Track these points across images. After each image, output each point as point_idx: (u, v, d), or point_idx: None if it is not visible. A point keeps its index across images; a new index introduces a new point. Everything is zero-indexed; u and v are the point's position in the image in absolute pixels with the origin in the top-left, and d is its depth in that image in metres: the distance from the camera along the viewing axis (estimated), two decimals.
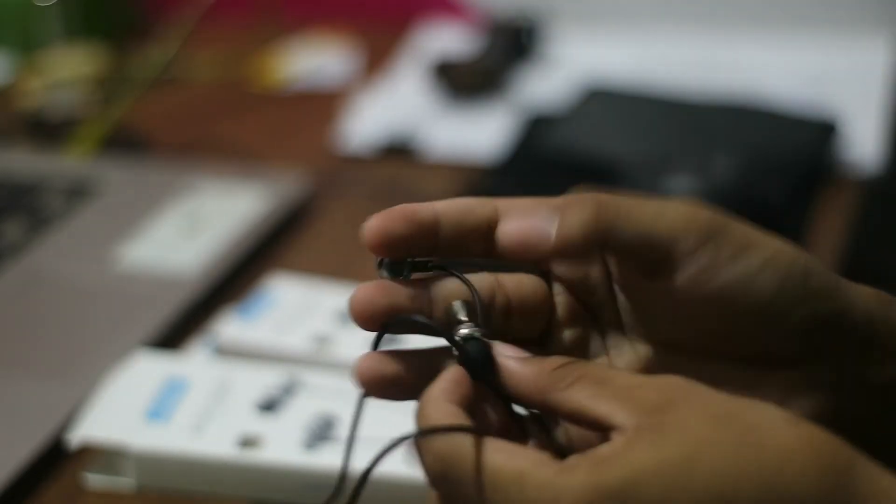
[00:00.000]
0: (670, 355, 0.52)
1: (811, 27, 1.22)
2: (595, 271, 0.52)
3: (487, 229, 0.52)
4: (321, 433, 0.71)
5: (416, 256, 0.51)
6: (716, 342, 0.51)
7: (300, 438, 0.71)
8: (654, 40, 1.23)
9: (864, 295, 0.51)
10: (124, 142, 1.11)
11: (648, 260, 0.50)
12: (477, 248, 0.52)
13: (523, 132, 1.08)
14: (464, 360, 0.49)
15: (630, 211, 0.50)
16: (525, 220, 0.51)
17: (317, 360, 0.78)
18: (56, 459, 0.75)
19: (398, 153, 1.08)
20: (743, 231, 0.50)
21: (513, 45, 1.19)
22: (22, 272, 0.91)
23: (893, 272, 1.24)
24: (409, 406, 0.51)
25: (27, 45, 1.26)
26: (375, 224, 0.50)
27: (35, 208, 0.99)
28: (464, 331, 0.50)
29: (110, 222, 0.97)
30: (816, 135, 1.02)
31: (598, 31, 1.25)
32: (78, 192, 1.00)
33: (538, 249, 0.51)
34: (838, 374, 0.51)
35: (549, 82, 1.17)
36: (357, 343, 0.78)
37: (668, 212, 0.50)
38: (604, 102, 1.09)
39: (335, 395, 0.74)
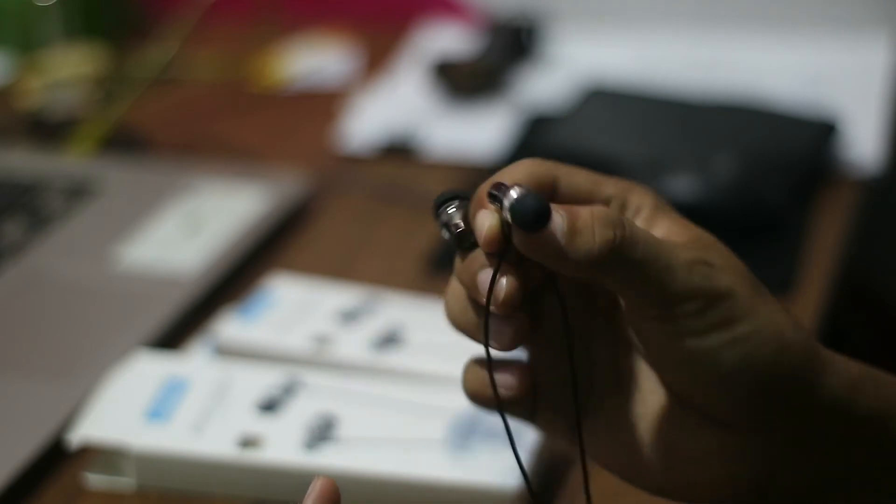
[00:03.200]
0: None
1: (811, 27, 1.22)
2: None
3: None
4: (321, 433, 0.71)
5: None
6: (674, 385, 0.55)
7: (300, 438, 0.71)
8: (654, 40, 1.23)
9: (839, 374, 0.55)
10: (124, 142, 1.10)
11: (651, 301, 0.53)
12: None
13: (523, 132, 1.08)
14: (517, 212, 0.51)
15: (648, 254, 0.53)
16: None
17: (317, 360, 0.78)
18: (56, 459, 0.75)
19: (398, 153, 1.08)
20: (741, 300, 0.53)
21: (513, 45, 1.19)
22: (22, 272, 0.91)
23: (893, 272, 1.24)
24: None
25: (27, 45, 1.26)
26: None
27: (35, 208, 0.99)
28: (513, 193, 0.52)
29: (110, 222, 0.97)
30: (816, 135, 1.02)
31: (598, 31, 1.25)
32: (78, 192, 1.00)
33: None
34: (782, 447, 0.55)
35: (549, 82, 1.17)
36: (357, 343, 0.79)
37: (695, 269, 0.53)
38: (604, 102, 1.09)
39: (335, 395, 0.74)
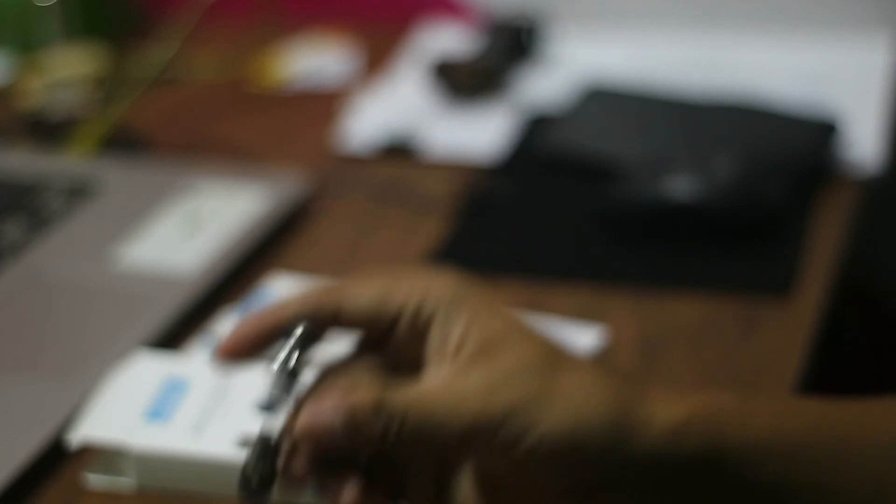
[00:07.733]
0: None
1: (811, 27, 1.22)
2: None
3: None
4: None
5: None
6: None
7: None
8: (654, 40, 1.23)
9: (657, 424, 0.55)
10: (124, 142, 1.10)
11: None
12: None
13: (523, 132, 1.08)
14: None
15: None
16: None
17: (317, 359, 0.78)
18: (56, 459, 0.75)
19: (398, 153, 1.08)
20: (522, 413, 0.54)
21: (513, 45, 1.19)
22: (22, 272, 0.91)
23: (893, 272, 1.24)
24: None
25: (27, 45, 1.26)
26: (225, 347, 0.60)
27: (35, 208, 0.99)
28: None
29: (110, 222, 0.97)
30: (816, 135, 1.02)
31: (598, 31, 1.26)
32: (78, 192, 1.00)
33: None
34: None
35: (549, 82, 1.17)
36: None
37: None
38: (603, 102, 1.09)
39: None
